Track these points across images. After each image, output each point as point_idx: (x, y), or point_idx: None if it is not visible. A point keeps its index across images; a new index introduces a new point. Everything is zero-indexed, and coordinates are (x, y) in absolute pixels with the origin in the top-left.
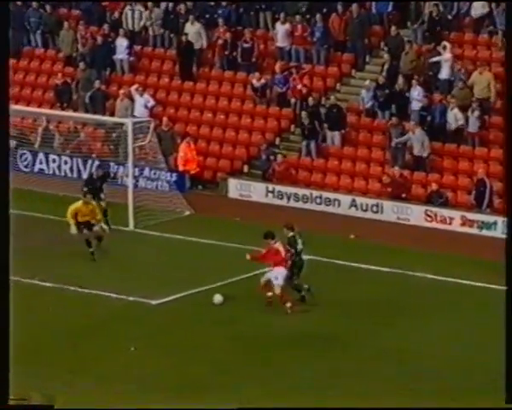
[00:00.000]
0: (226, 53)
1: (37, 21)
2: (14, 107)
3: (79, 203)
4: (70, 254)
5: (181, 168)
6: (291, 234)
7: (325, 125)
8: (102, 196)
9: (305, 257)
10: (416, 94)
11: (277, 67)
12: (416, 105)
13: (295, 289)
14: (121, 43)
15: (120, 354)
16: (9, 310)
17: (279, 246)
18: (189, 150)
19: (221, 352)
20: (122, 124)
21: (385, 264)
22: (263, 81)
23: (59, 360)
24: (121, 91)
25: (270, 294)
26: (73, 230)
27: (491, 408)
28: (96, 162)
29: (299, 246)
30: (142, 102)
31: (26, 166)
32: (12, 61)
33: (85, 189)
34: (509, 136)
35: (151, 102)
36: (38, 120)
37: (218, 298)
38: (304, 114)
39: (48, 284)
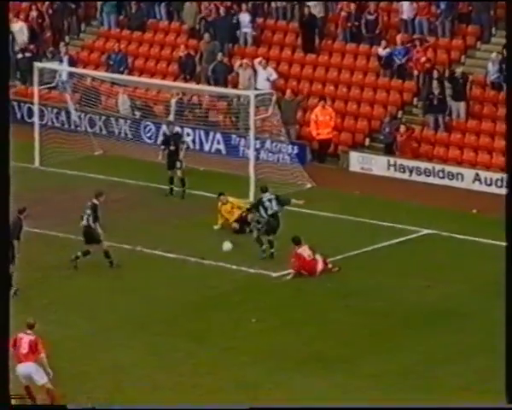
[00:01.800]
0: (349, 25)
1: None
2: (138, 79)
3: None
4: (193, 225)
5: (313, 133)
6: (261, 197)
7: (450, 98)
8: (178, 164)
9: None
10: None
11: (398, 38)
12: None
13: (259, 242)
14: (244, 17)
15: (242, 325)
16: (9, 310)
17: (303, 251)
18: (322, 114)
19: (344, 326)
20: (242, 96)
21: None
22: (388, 50)
23: (183, 331)
24: (244, 60)
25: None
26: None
27: (491, 408)
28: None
29: (274, 208)
30: (265, 76)
31: (149, 138)
32: (137, 34)
33: (162, 147)
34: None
35: (274, 76)
36: (163, 92)
37: (227, 245)
38: (435, 83)
39: (170, 255)
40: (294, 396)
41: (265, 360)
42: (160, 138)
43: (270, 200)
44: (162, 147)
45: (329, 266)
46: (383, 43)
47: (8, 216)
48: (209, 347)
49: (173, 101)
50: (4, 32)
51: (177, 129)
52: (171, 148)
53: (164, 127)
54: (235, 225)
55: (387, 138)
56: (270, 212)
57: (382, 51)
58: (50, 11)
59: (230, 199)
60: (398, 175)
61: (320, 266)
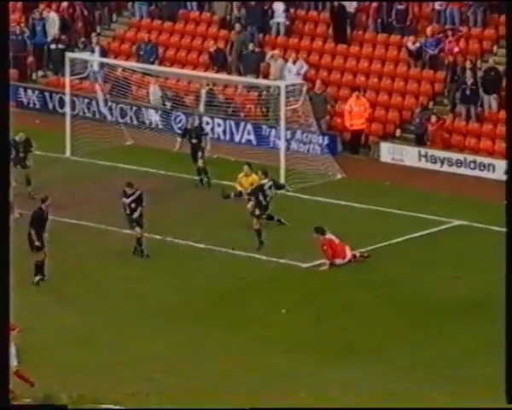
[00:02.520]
0: (380, 15)
1: None
2: (169, 69)
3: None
4: (223, 215)
5: (347, 123)
6: (263, 183)
7: (481, 89)
8: (199, 154)
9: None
10: None
11: (429, 29)
12: None
13: (268, 218)
14: (278, 6)
15: (272, 315)
16: (9, 309)
17: (331, 236)
18: (356, 104)
19: (374, 316)
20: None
21: None
22: (417, 45)
23: (213, 321)
24: (275, 51)
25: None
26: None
27: (491, 408)
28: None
29: (271, 195)
30: (296, 68)
31: (179, 128)
32: (168, 24)
33: (179, 139)
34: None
35: (304, 68)
36: (194, 82)
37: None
38: (468, 74)
39: (201, 246)
40: (325, 386)
41: (296, 351)
42: (180, 130)
43: (270, 186)
44: (179, 139)
45: (357, 254)
46: (411, 37)
47: (8, 214)
48: (240, 337)
49: (203, 91)
50: (4, 32)
51: (199, 122)
52: (193, 141)
53: (185, 119)
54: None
55: (418, 129)
56: (268, 199)
57: (412, 46)
58: (81, 1)
59: (254, 175)
60: (429, 166)
61: (349, 251)
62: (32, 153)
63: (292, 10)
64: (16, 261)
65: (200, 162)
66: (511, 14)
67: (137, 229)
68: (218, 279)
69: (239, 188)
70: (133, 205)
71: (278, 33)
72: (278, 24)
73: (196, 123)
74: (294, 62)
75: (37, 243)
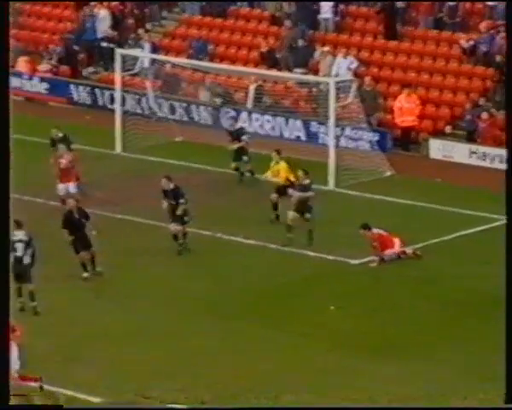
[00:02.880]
0: (431, 12)
1: None
2: (218, 65)
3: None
4: (272, 210)
5: (398, 120)
6: (308, 181)
7: None
8: (245, 158)
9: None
10: None
11: (482, 25)
12: None
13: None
14: (325, 3)
15: (320, 312)
16: (9, 309)
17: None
18: (407, 101)
19: (420, 314)
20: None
21: None
22: (471, 43)
23: (261, 317)
24: (325, 48)
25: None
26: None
27: (492, 408)
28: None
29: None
30: (346, 64)
31: (229, 125)
32: (218, 21)
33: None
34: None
35: (354, 64)
36: (244, 78)
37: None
38: None
39: (250, 242)
40: (371, 383)
41: (342, 347)
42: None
43: (305, 186)
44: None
45: (408, 251)
46: (464, 35)
47: (9, 211)
48: (287, 333)
49: (252, 87)
50: (4, 32)
51: (240, 124)
52: (236, 142)
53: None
54: (273, 196)
55: (469, 126)
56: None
57: (465, 44)
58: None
59: (282, 164)
60: (480, 163)
61: (398, 242)
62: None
63: (342, 6)
64: (66, 256)
65: (247, 166)
66: (511, 14)
67: (174, 225)
68: (267, 275)
69: (273, 178)
70: (173, 202)
71: (327, 29)
72: (326, 20)
73: (237, 125)
74: (345, 58)
75: (71, 243)
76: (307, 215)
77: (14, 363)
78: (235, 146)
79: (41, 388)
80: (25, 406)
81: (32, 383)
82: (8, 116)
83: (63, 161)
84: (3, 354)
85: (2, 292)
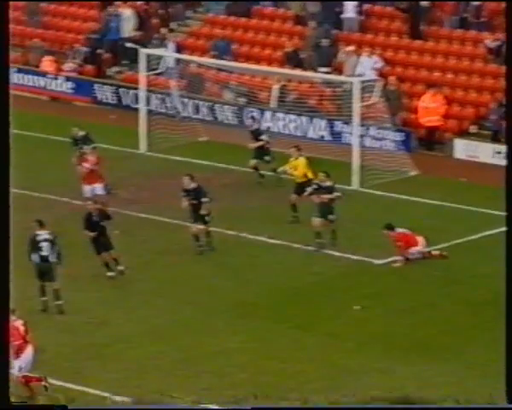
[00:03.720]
0: (456, 11)
1: None
2: (243, 65)
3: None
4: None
5: (422, 120)
6: (329, 183)
7: None
8: (267, 158)
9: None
10: None
11: None
12: None
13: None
14: (348, 2)
15: (346, 312)
16: (9, 309)
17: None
18: (432, 100)
19: (447, 314)
20: (347, 83)
21: None
22: (497, 42)
23: (286, 317)
24: (349, 48)
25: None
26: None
27: (492, 408)
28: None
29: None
30: (371, 64)
31: (249, 124)
32: (242, 20)
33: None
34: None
35: (379, 63)
36: (268, 78)
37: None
38: None
39: (275, 241)
40: (397, 384)
41: (368, 348)
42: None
43: (325, 188)
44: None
45: (434, 253)
46: (490, 35)
47: (9, 212)
48: (312, 333)
49: (275, 87)
50: (4, 32)
51: (258, 125)
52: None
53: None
54: (293, 197)
55: (494, 126)
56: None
57: (491, 43)
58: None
59: (301, 159)
60: (505, 163)
61: (422, 240)
62: (96, 149)
63: (366, 6)
64: (90, 256)
65: (271, 165)
66: (511, 14)
67: (196, 225)
68: (292, 275)
69: (291, 171)
70: (195, 201)
71: (351, 29)
72: (350, 20)
73: (255, 126)
74: (369, 58)
75: (91, 244)
76: (330, 217)
77: (28, 363)
78: (254, 145)
79: (45, 388)
80: (25, 406)
81: (37, 384)
82: (8, 113)
83: (88, 163)
84: (3, 353)
85: (3, 292)
